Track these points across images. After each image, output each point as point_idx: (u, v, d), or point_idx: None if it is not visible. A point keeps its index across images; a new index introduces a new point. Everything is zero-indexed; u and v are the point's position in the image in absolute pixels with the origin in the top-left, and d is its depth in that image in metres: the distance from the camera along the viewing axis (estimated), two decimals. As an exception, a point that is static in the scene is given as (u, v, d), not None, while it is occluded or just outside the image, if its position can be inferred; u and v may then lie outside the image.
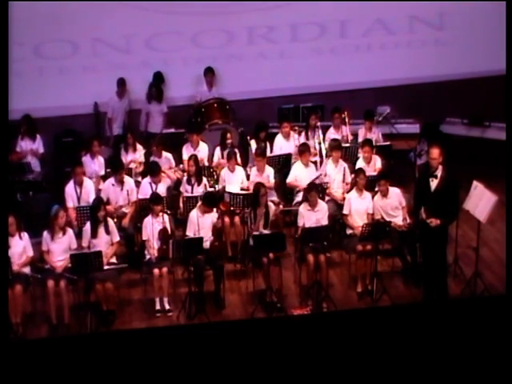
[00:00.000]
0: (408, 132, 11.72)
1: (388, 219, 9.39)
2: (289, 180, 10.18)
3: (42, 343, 8.13)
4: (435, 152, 8.53)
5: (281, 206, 9.95)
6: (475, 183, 9.02)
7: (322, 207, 9.42)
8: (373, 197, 9.59)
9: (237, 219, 9.81)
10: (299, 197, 9.94)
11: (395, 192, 9.58)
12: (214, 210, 9.41)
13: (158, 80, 11.61)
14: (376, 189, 9.71)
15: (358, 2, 11.94)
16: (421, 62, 12.27)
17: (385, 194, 9.50)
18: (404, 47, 12.35)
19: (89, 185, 9.84)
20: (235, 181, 10.02)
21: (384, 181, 9.51)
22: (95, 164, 10.33)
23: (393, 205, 9.52)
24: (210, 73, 11.69)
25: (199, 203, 9.34)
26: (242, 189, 9.95)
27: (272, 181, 10.05)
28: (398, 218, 9.48)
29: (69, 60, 11.64)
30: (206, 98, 11.61)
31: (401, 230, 9.35)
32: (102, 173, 10.28)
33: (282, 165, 10.52)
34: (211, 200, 9.28)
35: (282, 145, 10.79)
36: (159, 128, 11.47)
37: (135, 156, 10.52)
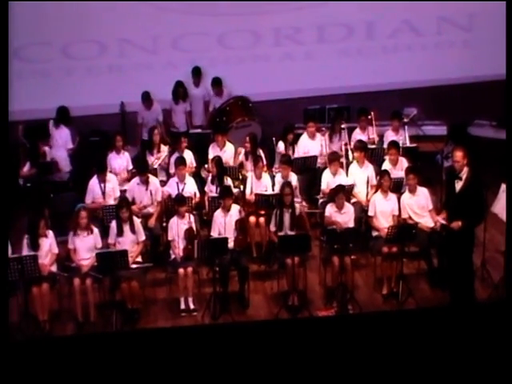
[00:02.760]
0: (435, 134, 11.66)
1: (415, 218, 9.32)
2: (322, 189, 10.12)
3: (69, 340, 8.21)
4: (458, 155, 8.46)
5: (306, 208, 9.90)
6: (503, 186, 8.93)
7: (349, 209, 9.38)
8: (398, 198, 9.53)
9: (262, 220, 9.80)
10: (324, 198, 9.91)
11: (423, 191, 9.50)
12: (238, 208, 9.38)
13: (197, 73, 11.63)
14: (404, 186, 9.63)
15: (384, 3, 11.89)
16: (448, 64, 12.19)
17: (413, 190, 9.41)
18: (431, 48, 12.28)
19: (112, 179, 9.91)
20: (261, 188, 9.98)
21: (413, 175, 9.43)
22: (122, 159, 10.40)
23: (420, 204, 9.43)
24: (217, 85, 11.58)
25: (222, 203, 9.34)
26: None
27: (295, 184, 9.99)
28: (425, 219, 9.40)
29: (96, 60, 11.73)
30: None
31: (428, 232, 9.27)
32: (130, 167, 10.34)
33: (307, 166, 10.49)
34: (226, 192, 9.30)
35: (307, 144, 10.76)
36: (183, 126, 11.55)
37: (159, 155, 10.57)
